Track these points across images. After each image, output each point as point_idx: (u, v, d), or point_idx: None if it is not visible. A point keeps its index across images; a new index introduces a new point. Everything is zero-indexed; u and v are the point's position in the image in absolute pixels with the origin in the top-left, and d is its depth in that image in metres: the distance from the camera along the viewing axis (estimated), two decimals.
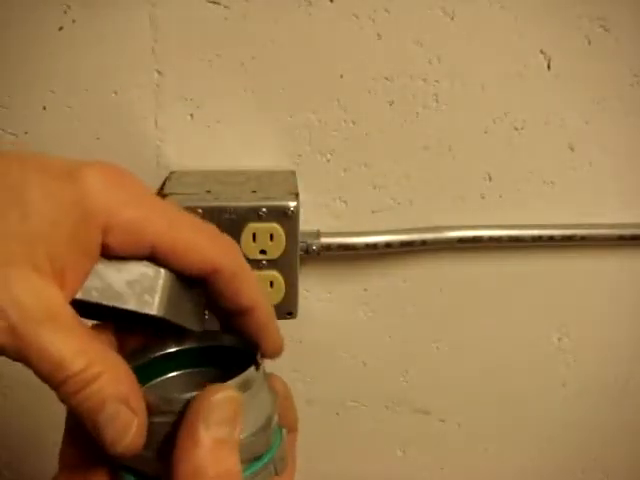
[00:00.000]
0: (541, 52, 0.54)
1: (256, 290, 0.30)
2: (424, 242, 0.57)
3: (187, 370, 0.32)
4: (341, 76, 0.53)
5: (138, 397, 0.26)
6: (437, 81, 0.54)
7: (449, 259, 0.60)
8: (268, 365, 0.31)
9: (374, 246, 0.56)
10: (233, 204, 0.50)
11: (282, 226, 0.51)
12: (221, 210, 0.50)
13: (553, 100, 0.56)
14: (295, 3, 0.50)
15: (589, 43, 0.54)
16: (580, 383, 0.68)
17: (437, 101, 0.54)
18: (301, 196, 0.52)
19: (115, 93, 0.51)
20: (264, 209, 0.50)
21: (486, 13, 0.52)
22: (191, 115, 0.53)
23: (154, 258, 0.28)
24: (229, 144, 0.54)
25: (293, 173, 0.54)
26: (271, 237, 0.51)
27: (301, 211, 0.51)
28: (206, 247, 0.29)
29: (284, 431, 0.30)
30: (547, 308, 0.64)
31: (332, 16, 0.51)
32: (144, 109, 0.52)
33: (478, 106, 0.55)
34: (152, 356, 0.31)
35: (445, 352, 0.64)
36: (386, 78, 0.53)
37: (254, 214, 0.50)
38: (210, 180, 0.52)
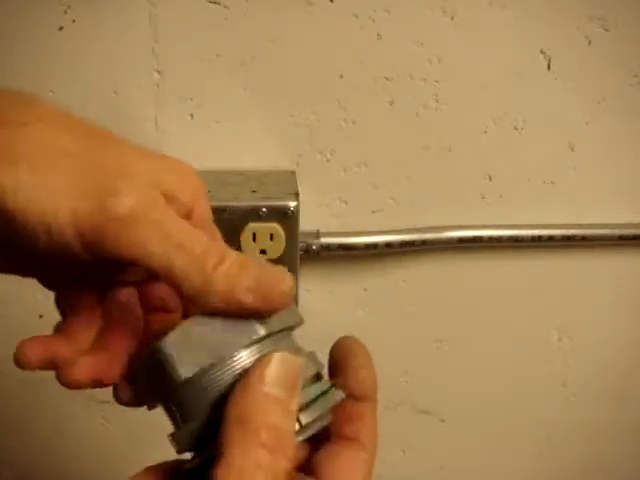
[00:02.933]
0: (541, 52, 0.54)
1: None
2: (424, 242, 0.57)
3: None
4: (341, 76, 0.53)
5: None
6: (437, 81, 0.54)
7: (449, 259, 0.60)
8: None
9: (374, 246, 0.56)
10: (233, 204, 0.50)
11: (282, 226, 0.51)
12: (221, 210, 0.50)
13: (553, 100, 0.56)
14: (295, 3, 0.50)
15: (589, 43, 0.54)
16: (580, 383, 0.68)
17: (437, 101, 0.54)
18: (301, 196, 0.52)
19: (115, 93, 0.51)
20: (264, 209, 0.50)
21: (486, 13, 0.52)
22: (191, 115, 0.53)
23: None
24: (229, 144, 0.54)
25: (293, 173, 0.54)
26: (271, 237, 0.51)
27: (301, 211, 0.51)
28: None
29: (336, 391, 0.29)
30: (547, 308, 0.64)
31: (332, 16, 0.51)
32: (144, 109, 0.52)
33: (478, 106, 0.55)
34: None
35: (445, 352, 0.64)
36: (386, 78, 0.53)
37: (254, 214, 0.50)
38: (210, 180, 0.52)
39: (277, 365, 0.25)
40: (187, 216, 0.28)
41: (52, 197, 0.24)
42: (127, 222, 0.24)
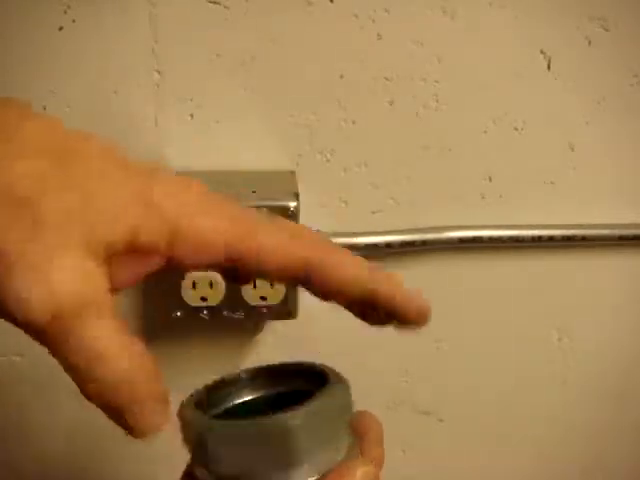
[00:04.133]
0: (541, 52, 0.54)
1: (360, 268, 0.28)
2: (424, 242, 0.57)
3: (252, 396, 0.32)
4: (341, 76, 0.53)
5: (167, 393, 0.25)
6: (437, 81, 0.54)
7: (449, 259, 0.60)
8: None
9: (374, 246, 0.56)
10: None
11: None
12: None
13: (553, 100, 0.56)
14: (295, 3, 0.50)
15: (589, 43, 0.54)
16: (580, 383, 0.68)
17: (437, 101, 0.54)
18: (301, 196, 0.52)
19: (115, 93, 0.51)
20: (264, 209, 0.50)
21: (486, 13, 0.52)
22: (191, 115, 0.53)
23: (231, 263, 0.26)
24: (229, 144, 0.54)
25: (293, 173, 0.54)
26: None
27: (301, 211, 0.51)
28: (286, 245, 0.27)
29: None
30: (547, 308, 0.64)
31: (332, 16, 0.51)
32: (144, 109, 0.52)
33: (478, 106, 0.55)
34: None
35: (445, 352, 0.64)
36: (386, 78, 0.53)
37: None
38: (210, 180, 0.52)
39: None
40: (169, 243, 0.25)
41: None
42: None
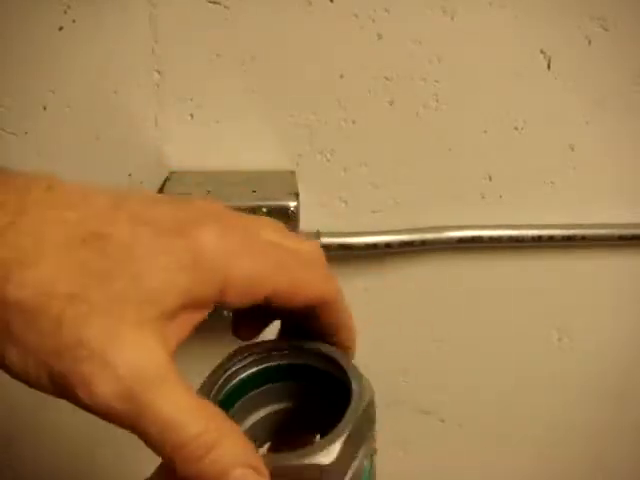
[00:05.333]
0: (541, 52, 0.54)
1: (348, 311, 0.31)
2: (424, 242, 0.57)
3: (266, 385, 0.31)
4: (341, 76, 0.53)
5: (260, 460, 0.25)
6: (437, 81, 0.54)
7: (449, 259, 0.60)
8: None
9: (374, 246, 0.56)
10: (233, 204, 0.50)
11: None
12: None
13: (553, 100, 0.56)
14: (295, 3, 0.50)
15: (589, 43, 0.54)
16: (580, 383, 0.68)
17: (437, 101, 0.54)
18: (301, 196, 0.52)
19: (115, 93, 0.51)
20: (264, 209, 0.50)
21: (486, 13, 0.52)
22: (191, 115, 0.53)
23: (266, 302, 0.27)
24: (229, 144, 0.54)
25: (293, 173, 0.54)
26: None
27: (301, 211, 0.51)
28: (313, 282, 0.28)
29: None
30: (547, 308, 0.64)
31: (332, 16, 0.51)
32: (144, 109, 0.52)
33: (478, 106, 0.55)
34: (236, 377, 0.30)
35: (445, 352, 0.64)
36: (386, 78, 0.53)
37: (254, 214, 0.50)
38: (210, 180, 0.52)
39: None
40: (221, 291, 0.25)
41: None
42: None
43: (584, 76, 0.55)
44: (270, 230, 0.29)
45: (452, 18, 0.52)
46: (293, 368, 0.31)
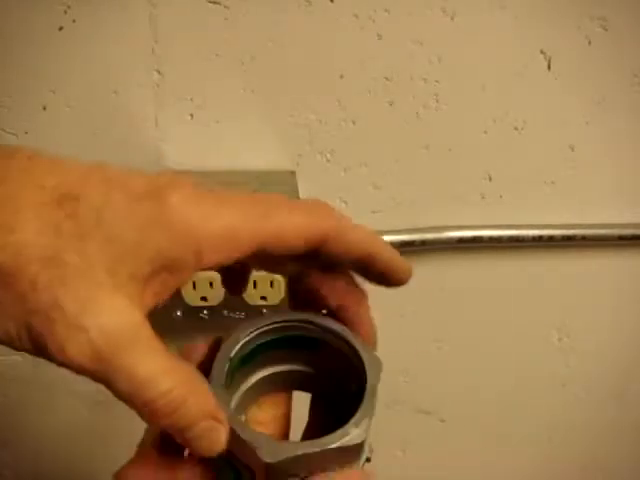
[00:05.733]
0: (541, 52, 0.54)
1: (364, 234, 0.30)
2: (424, 242, 0.57)
3: (272, 369, 0.33)
4: (341, 76, 0.53)
5: (223, 414, 0.27)
6: (437, 81, 0.54)
7: (449, 259, 0.60)
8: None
9: None
10: None
11: None
12: None
13: (553, 100, 0.56)
14: (295, 3, 0.50)
15: (589, 43, 0.54)
16: (580, 383, 0.68)
17: (437, 101, 0.54)
18: (301, 196, 0.52)
19: (115, 93, 0.51)
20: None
21: (486, 13, 0.52)
22: (191, 115, 0.53)
23: (258, 253, 0.27)
24: (229, 144, 0.54)
25: (293, 173, 0.54)
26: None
27: None
28: (304, 222, 0.28)
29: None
30: (547, 308, 0.64)
31: (332, 16, 0.51)
32: (144, 109, 0.52)
33: (478, 106, 0.55)
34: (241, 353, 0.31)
35: (445, 352, 0.64)
36: (386, 78, 0.53)
37: None
38: (210, 180, 0.52)
39: None
40: (197, 252, 0.26)
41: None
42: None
43: (584, 76, 0.55)
44: (266, 193, 0.30)
45: (452, 18, 0.52)
46: (305, 339, 0.33)
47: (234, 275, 0.33)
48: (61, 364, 0.24)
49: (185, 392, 0.25)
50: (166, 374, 0.25)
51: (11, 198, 0.24)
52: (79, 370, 0.24)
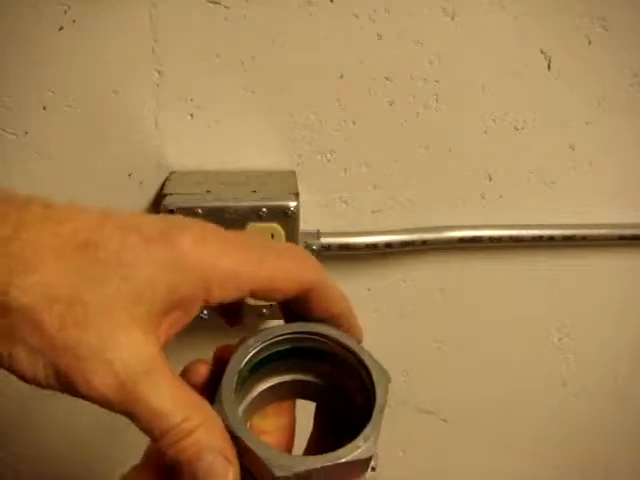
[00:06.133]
0: (541, 52, 0.54)
1: (339, 295, 0.32)
2: (424, 242, 0.57)
3: (277, 380, 0.33)
4: (341, 76, 0.53)
5: (231, 447, 0.28)
6: (437, 81, 0.54)
7: (449, 259, 0.60)
8: None
9: (374, 246, 0.56)
10: (233, 204, 0.50)
11: (282, 226, 0.51)
12: (221, 210, 0.50)
13: (553, 100, 0.56)
14: (295, 3, 0.50)
15: (589, 43, 0.54)
16: (580, 383, 0.68)
17: (437, 101, 0.54)
18: (301, 196, 0.52)
19: (115, 93, 0.51)
20: (264, 209, 0.50)
21: (486, 13, 0.52)
22: (191, 115, 0.53)
23: (253, 296, 0.30)
24: (229, 144, 0.54)
25: (293, 173, 0.54)
26: (271, 237, 0.51)
27: (301, 211, 0.51)
28: (296, 271, 0.31)
29: None
30: (547, 308, 0.64)
31: (332, 16, 0.51)
32: (144, 109, 0.52)
33: (478, 106, 0.55)
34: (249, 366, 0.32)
35: (446, 352, 0.64)
36: (386, 78, 0.53)
37: (254, 214, 0.50)
38: (210, 180, 0.52)
39: None
40: (206, 289, 0.28)
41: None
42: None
43: (584, 76, 0.55)
44: (251, 235, 0.33)
45: (452, 18, 0.52)
46: (310, 350, 0.33)
47: (230, 308, 0.35)
48: (87, 397, 0.26)
49: (198, 423, 0.27)
50: (181, 405, 0.27)
51: (30, 243, 0.25)
52: (104, 402, 0.26)
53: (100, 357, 0.25)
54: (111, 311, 0.26)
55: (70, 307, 0.25)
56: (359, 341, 0.33)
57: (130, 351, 0.26)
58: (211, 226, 0.30)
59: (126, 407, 0.26)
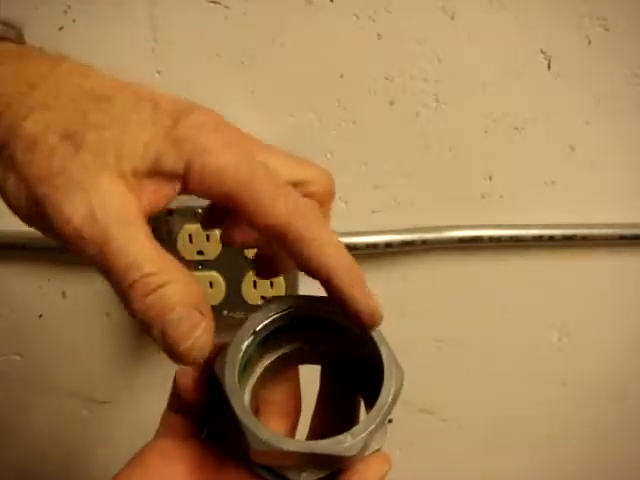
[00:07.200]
0: (541, 52, 0.54)
1: (329, 257, 0.29)
2: (424, 242, 0.57)
3: (280, 352, 0.33)
4: (341, 76, 0.53)
5: (207, 304, 0.27)
6: (437, 81, 0.54)
7: (449, 259, 0.60)
8: None
9: (374, 246, 0.56)
10: None
11: None
12: None
13: (553, 100, 0.56)
14: (295, 3, 0.50)
15: (589, 43, 0.54)
16: (580, 383, 0.68)
17: (437, 101, 0.54)
18: None
19: None
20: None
21: (486, 13, 0.52)
22: None
23: (230, 207, 0.28)
24: None
25: None
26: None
27: None
28: (275, 207, 0.28)
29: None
30: (547, 308, 0.64)
31: (332, 16, 0.51)
32: None
33: (478, 106, 0.55)
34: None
35: (445, 352, 0.64)
36: (386, 78, 0.53)
37: None
38: None
39: None
40: (185, 174, 0.28)
41: None
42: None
43: (584, 76, 0.55)
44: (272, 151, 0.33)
45: (452, 18, 0.52)
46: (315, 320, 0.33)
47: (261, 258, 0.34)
48: (58, 229, 0.25)
49: (170, 278, 0.25)
50: (155, 259, 0.26)
51: (52, 89, 0.27)
52: (74, 235, 0.25)
53: (77, 186, 0.25)
54: (102, 154, 0.26)
55: (65, 139, 0.26)
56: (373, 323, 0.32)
57: (111, 193, 0.25)
58: (223, 121, 0.31)
59: (97, 245, 0.25)
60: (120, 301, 0.25)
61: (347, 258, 0.30)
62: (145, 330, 0.26)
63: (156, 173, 0.27)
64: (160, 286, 0.25)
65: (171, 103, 0.29)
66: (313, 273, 0.29)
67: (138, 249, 0.25)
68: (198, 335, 0.26)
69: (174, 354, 0.25)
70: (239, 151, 0.30)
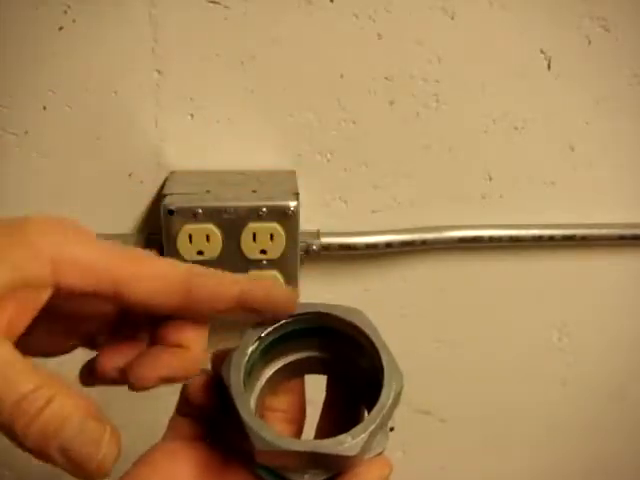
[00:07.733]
0: (541, 52, 0.54)
1: (228, 283, 0.30)
2: (424, 242, 0.57)
3: (285, 360, 0.34)
4: (341, 76, 0.53)
5: (98, 409, 0.25)
6: (437, 81, 0.54)
7: (449, 259, 0.60)
8: None
9: (374, 246, 0.56)
10: (233, 204, 0.50)
11: (282, 226, 0.51)
12: (221, 210, 0.50)
13: (553, 100, 0.56)
14: (295, 3, 0.50)
15: (589, 43, 0.54)
16: (580, 383, 0.68)
17: (437, 101, 0.54)
18: (301, 196, 0.52)
19: (115, 93, 0.51)
20: (264, 209, 0.50)
21: (486, 13, 0.52)
22: (191, 115, 0.53)
23: (118, 298, 0.28)
24: (229, 144, 0.54)
25: (293, 173, 0.54)
26: (271, 237, 0.51)
27: (301, 211, 0.51)
28: (168, 268, 0.29)
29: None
30: (547, 308, 0.64)
31: (332, 16, 0.51)
32: (144, 109, 0.52)
33: (478, 106, 0.55)
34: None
35: (445, 352, 0.64)
36: (386, 78, 0.53)
37: (254, 214, 0.50)
38: (210, 180, 0.52)
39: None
40: (54, 271, 0.26)
41: None
42: None
43: (584, 76, 0.55)
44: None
45: (452, 18, 0.52)
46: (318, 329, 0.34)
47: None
48: None
49: (55, 391, 0.24)
50: (32, 375, 0.24)
51: None
52: None
53: None
54: None
55: None
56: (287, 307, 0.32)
57: None
58: (68, 222, 0.28)
59: None
60: (11, 440, 0.23)
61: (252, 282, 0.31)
62: (42, 457, 0.24)
63: (17, 286, 0.25)
64: (50, 400, 0.24)
65: (8, 218, 0.27)
66: (226, 305, 0.29)
67: (11, 368, 0.24)
68: (104, 449, 0.24)
69: (87, 470, 0.24)
70: (105, 246, 0.28)
